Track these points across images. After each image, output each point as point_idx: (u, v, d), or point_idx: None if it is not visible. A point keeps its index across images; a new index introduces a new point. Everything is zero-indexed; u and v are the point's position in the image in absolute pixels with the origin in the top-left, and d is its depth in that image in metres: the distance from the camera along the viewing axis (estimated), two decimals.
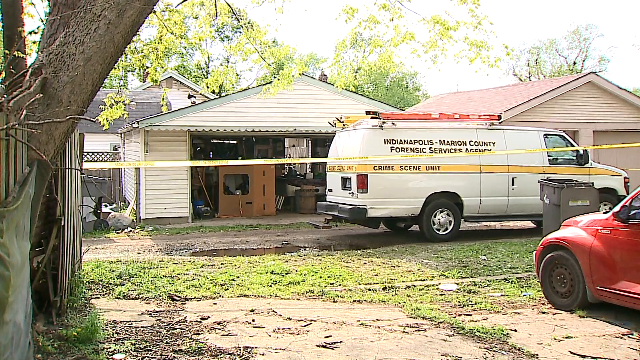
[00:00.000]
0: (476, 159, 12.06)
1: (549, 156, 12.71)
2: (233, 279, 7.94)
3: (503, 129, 12.64)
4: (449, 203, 11.93)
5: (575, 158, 13.00)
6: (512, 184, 12.27)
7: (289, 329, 5.65)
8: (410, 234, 13.07)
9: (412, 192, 11.67)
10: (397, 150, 11.56)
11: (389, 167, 11.50)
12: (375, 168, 11.41)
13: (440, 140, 11.90)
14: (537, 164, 12.53)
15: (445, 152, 11.84)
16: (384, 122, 11.57)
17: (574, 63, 46.39)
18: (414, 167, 11.65)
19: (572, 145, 13.23)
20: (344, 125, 12.59)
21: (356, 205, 11.51)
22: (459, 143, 12.02)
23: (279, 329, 5.64)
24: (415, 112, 13.18)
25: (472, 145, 12.09)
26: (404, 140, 11.65)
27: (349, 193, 11.76)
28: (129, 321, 5.82)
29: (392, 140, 11.57)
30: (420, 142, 11.76)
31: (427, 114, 13.00)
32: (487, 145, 12.19)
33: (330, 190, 12.85)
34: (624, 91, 20.23)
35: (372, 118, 11.69)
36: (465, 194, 11.97)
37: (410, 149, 11.65)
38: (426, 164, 11.74)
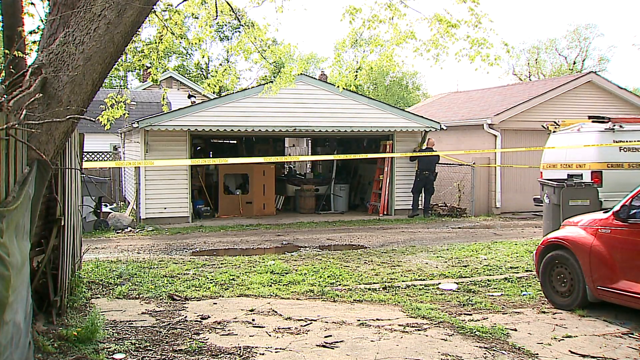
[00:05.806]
0: None
1: None
2: (233, 279, 7.94)
3: None
4: None
5: None
6: None
7: (289, 328, 5.65)
8: None
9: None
10: (625, 150, 12.77)
11: (619, 164, 12.72)
12: (608, 165, 12.63)
13: None
14: None
15: None
16: (614, 125, 12.86)
17: (574, 63, 46.33)
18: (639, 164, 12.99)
19: None
20: (556, 128, 14.12)
21: None
22: None
23: (279, 328, 5.65)
24: (635, 117, 15.52)
25: None
26: (630, 141, 13.00)
27: None
28: (129, 321, 5.82)
29: (620, 141, 12.90)
30: None
31: None
32: None
33: None
34: (624, 91, 20.22)
35: (593, 122, 13.22)
36: None
37: (635, 148, 12.87)
38: None
